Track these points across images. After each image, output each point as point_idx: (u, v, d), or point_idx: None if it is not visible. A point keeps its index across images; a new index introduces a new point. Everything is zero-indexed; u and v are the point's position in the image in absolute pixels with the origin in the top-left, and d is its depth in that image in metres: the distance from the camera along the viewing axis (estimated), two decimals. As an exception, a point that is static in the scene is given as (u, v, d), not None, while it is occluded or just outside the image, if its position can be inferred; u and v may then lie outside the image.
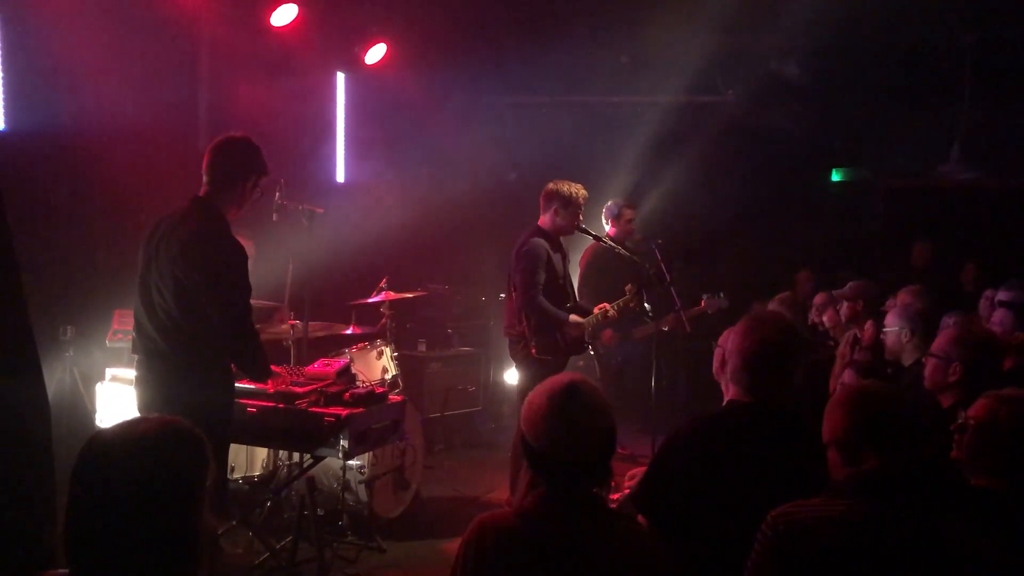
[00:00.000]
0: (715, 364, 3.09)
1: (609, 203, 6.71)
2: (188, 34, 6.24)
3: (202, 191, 3.80)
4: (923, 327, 4.31)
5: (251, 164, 3.84)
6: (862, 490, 2.12)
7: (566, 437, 2.12)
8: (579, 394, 2.16)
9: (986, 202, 9.21)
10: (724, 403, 2.78)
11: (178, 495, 1.77)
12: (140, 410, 3.76)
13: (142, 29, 5.76)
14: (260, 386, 4.20)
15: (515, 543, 2.09)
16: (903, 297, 5.52)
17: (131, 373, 4.71)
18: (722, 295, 6.37)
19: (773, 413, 2.69)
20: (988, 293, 5.88)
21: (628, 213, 6.62)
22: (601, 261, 6.40)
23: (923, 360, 3.64)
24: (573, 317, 5.54)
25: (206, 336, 3.69)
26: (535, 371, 5.51)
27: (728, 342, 2.76)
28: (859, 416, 2.19)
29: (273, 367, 4.22)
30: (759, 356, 2.67)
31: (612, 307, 5.68)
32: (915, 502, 2.08)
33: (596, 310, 5.69)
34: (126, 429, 1.83)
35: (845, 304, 5.47)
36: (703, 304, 6.41)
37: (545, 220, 5.60)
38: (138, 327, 3.79)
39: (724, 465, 2.57)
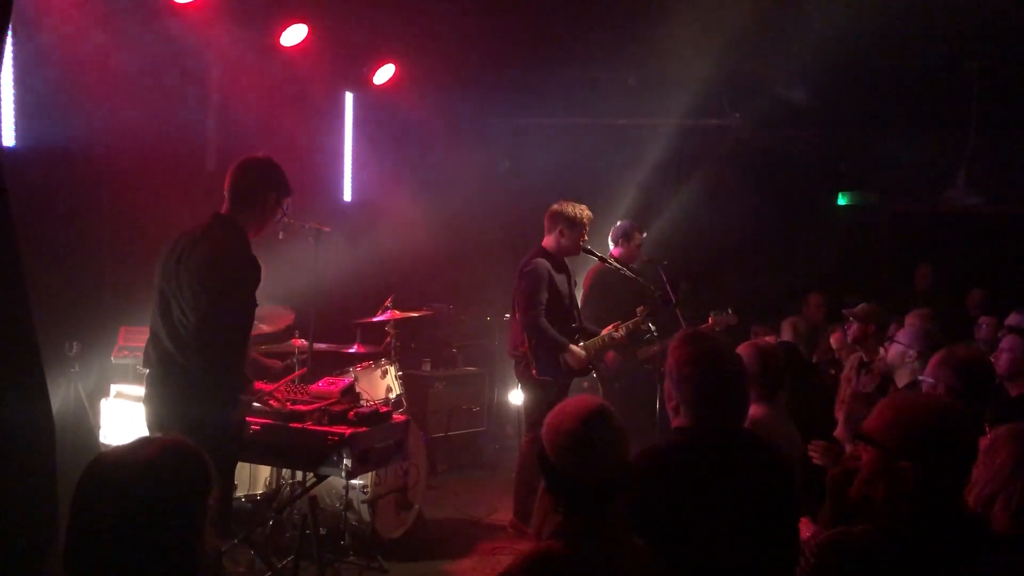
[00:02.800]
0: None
1: (620, 223, 6.67)
2: (197, 53, 6.28)
3: (223, 208, 3.83)
4: (929, 350, 4.29)
5: (270, 183, 3.88)
6: (904, 518, 2.11)
7: (602, 461, 2.15)
8: (610, 418, 2.20)
9: (991, 227, 9.20)
10: (674, 431, 2.71)
11: (180, 518, 1.77)
12: (151, 426, 3.75)
13: (151, 47, 5.80)
14: (270, 403, 4.20)
15: (570, 572, 2.09)
16: (910, 319, 5.51)
17: (136, 390, 4.72)
18: (730, 311, 6.31)
19: (731, 438, 2.66)
20: (984, 320, 5.87)
21: (638, 237, 6.57)
22: (604, 282, 6.38)
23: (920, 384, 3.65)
24: (574, 347, 5.53)
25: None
26: (538, 392, 5.51)
27: (670, 377, 2.69)
28: (913, 443, 2.15)
29: (262, 385, 4.25)
30: (713, 383, 2.63)
31: (622, 327, 5.69)
32: (955, 527, 2.07)
33: (606, 330, 5.69)
34: (130, 451, 1.84)
35: (855, 325, 5.45)
36: (711, 321, 6.36)
37: (549, 241, 5.61)
38: (155, 341, 3.78)
39: (689, 495, 2.53)
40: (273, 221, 3.96)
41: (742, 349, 3.45)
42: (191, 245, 3.74)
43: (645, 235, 6.67)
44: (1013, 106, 8.17)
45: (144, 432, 3.77)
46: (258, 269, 3.73)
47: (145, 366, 3.85)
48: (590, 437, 2.15)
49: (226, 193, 3.83)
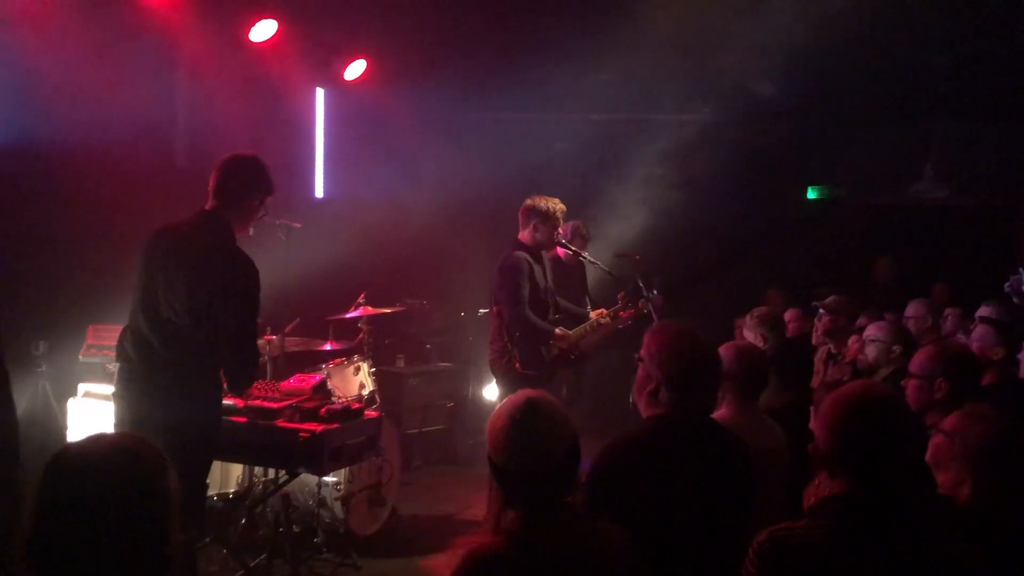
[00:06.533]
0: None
1: (569, 224, 6.69)
2: (166, 49, 6.22)
3: (208, 205, 3.79)
4: (909, 344, 4.31)
5: (257, 182, 3.85)
6: (836, 513, 2.10)
7: (531, 451, 2.14)
8: (538, 408, 2.19)
9: (958, 220, 9.34)
10: (652, 419, 2.73)
11: (142, 512, 1.77)
12: (123, 422, 3.68)
13: (119, 44, 5.74)
14: (233, 400, 4.18)
15: (509, 569, 2.07)
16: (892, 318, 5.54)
17: (106, 388, 4.67)
18: (655, 292, 6.24)
19: (704, 427, 2.70)
20: (949, 311, 5.94)
21: (579, 243, 6.61)
22: (555, 271, 6.36)
23: (902, 383, 3.60)
24: (560, 331, 5.57)
25: (212, 351, 3.67)
26: (519, 387, 5.47)
27: (651, 361, 2.71)
28: (833, 435, 2.15)
29: None
30: (697, 375, 2.67)
31: (608, 313, 5.75)
32: (890, 521, 2.05)
33: (593, 315, 5.74)
34: (87, 447, 1.83)
35: (826, 318, 5.49)
36: (640, 304, 6.30)
37: (525, 236, 5.62)
38: (136, 337, 3.71)
39: (663, 483, 2.55)
40: (255, 220, 3.94)
41: (723, 349, 3.44)
42: (181, 243, 3.69)
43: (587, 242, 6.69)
44: (978, 100, 8.28)
45: (111, 429, 3.74)
46: (255, 269, 3.72)
47: (119, 360, 3.78)
48: (519, 431, 2.15)
49: (211, 190, 3.79)
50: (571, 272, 6.48)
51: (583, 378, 6.88)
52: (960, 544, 2.10)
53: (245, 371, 3.79)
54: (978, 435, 2.50)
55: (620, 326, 6.12)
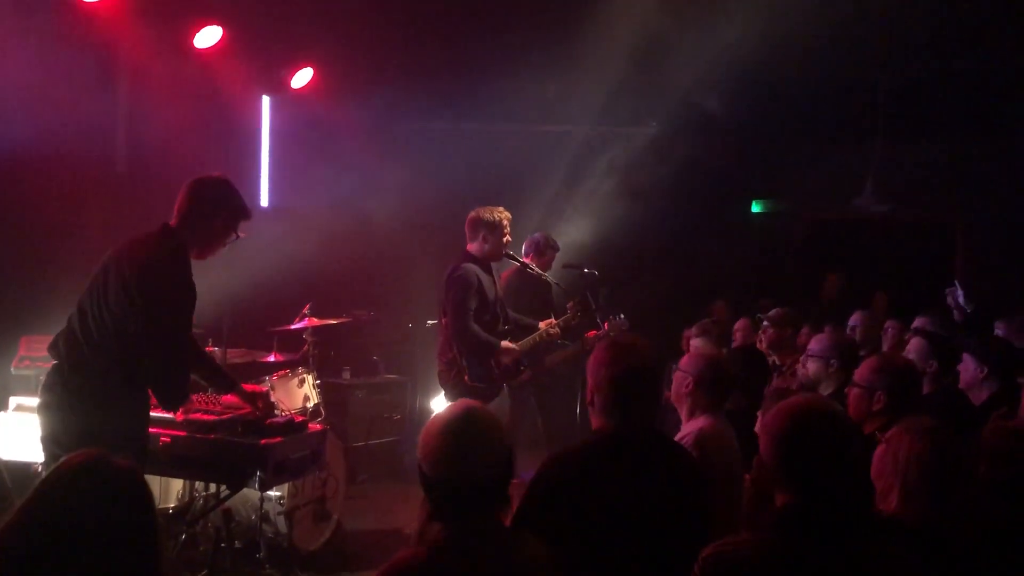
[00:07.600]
0: (676, 389, 3.36)
1: (538, 235, 6.71)
2: (107, 55, 6.10)
3: (172, 222, 3.77)
4: (847, 357, 4.37)
5: (219, 205, 3.81)
6: (780, 526, 2.11)
7: (464, 464, 2.10)
8: (475, 420, 2.16)
9: (897, 234, 9.56)
10: (592, 433, 2.75)
11: (144, 530, 1.79)
12: (50, 435, 3.59)
13: (59, 49, 5.61)
14: (170, 414, 4.09)
15: None
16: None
17: (37, 401, 4.53)
18: (622, 316, 6.32)
19: (648, 438, 2.71)
20: (889, 324, 6.07)
21: (552, 254, 6.64)
22: (515, 285, 6.39)
23: (845, 391, 3.67)
24: (505, 344, 5.55)
25: (137, 364, 3.62)
26: (467, 399, 5.47)
27: (595, 372, 2.73)
28: (777, 449, 2.16)
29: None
30: (631, 383, 2.67)
31: (559, 323, 5.75)
32: (833, 534, 2.06)
33: (543, 325, 5.73)
34: (93, 465, 1.81)
35: (771, 330, 5.56)
36: (606, 327, 6.39)
37: (474, 247, 5.60)
38: (71, 339, 3.65)
39: (606, 495, 2.54)
40: (223, 244, 3.89)
41: (694, 360, 3.47)
42: (124, 253, 3.69)
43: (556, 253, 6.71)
44: (917, 117, 8.49)
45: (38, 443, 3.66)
46: (191, 289, 3.70)
47: (50, 353, 3.71)
48: (454, 443, 2.11)
49: (175, 209, 3.78)
50: (535, 285, 6.42)
51: (550, 393, 6.88)
52: (903, 557, 2.12)
53: (171, 388, 3.75)
54: (907, 447, 2.55)
55: (588, 348, 6.14)
